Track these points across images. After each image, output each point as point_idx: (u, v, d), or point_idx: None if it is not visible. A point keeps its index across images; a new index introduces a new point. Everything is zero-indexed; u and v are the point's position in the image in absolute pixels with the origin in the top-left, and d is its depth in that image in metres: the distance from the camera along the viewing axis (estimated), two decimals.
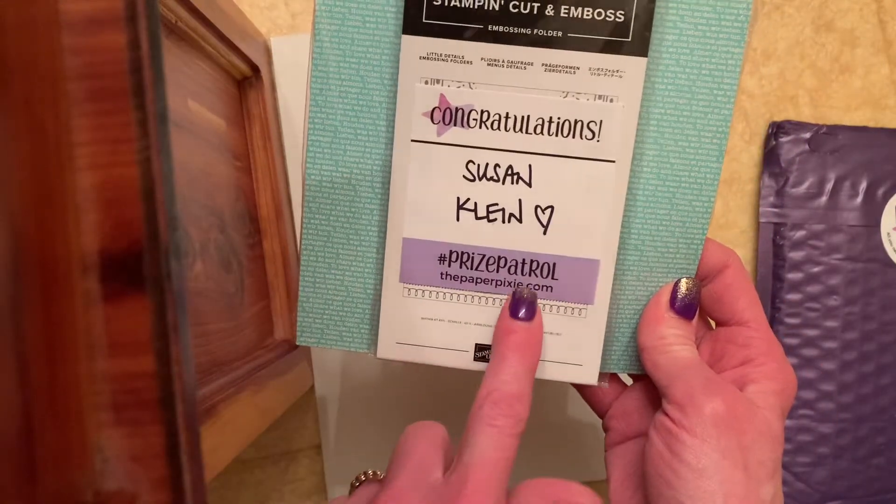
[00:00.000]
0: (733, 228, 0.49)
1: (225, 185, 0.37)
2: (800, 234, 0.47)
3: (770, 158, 0.48)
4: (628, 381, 0.35)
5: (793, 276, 0.47)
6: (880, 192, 0.47)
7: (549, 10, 0.29)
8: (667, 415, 0.29)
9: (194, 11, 0.32)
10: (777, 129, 0.48)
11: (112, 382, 0.20)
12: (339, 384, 0.47)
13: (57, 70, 0.20)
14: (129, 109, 0.20)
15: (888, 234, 0.47)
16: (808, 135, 0.48)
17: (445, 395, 0.46)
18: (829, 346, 0.47)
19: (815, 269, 0.47)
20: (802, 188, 0.47)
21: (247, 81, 0.42)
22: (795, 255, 0.47)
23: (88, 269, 0.20)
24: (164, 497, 0.20)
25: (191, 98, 0.33)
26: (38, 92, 0.20)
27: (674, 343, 0.30)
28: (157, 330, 0.20)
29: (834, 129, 0.48)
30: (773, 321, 0.47)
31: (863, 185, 0.47)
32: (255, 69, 0.42)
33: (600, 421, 0.36)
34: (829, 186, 0.47)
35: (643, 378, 0.33)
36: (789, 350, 0.47)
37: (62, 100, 0.20)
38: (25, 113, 0.19)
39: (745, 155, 0.49)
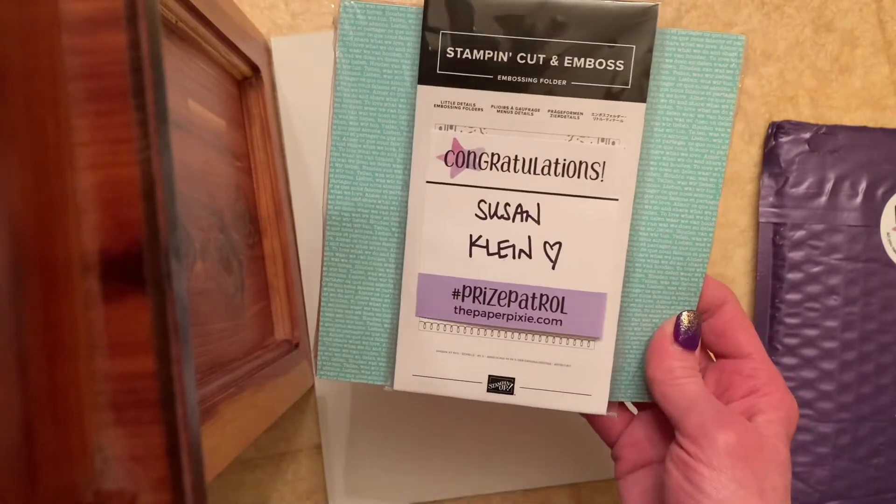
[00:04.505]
0: (733, 228, 0.49)
1: (225, 185, 0.37)
2: (799, 234, 0.47)
3: (770, 158, 0.48)
4: (633, 409, 0.36)
5: (793, 276, 0.47)
6: (880, 192, 0.47)
7: (554, 61, 0.31)
8: (682, 447, 0.30)
9: (194, 11, 0.32)
10: (777, 129, 0.48)
11: (112, 382, 0.20)
12: (339, 384, 0.47)
13: (57, 70, 0.20)
14: (129, 109, 0.20)
15: (888, 234, 0.47)
16: (807, 135, 0.48)
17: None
18: (828, 346, 0.47)
19: (815, 269, 0.47)
20: (802, 188, 0.47)
21: (247, 81, 0.42)
22: (795, 255, 0.47)
23: (88, 269, 0.20)
24: (164, 497, 0.20)
25: (191, 98, 0.33)
26: (38, 92, 0.19)
27: (682, 376, 0.31)
28: (157, 330, 0.20)
29: (833, 129, 0.48)
30: (773, 321, 0.47)
31: (862, 185, 0.47)
32: (255, 69, 0.42)
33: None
34: (828, 186, 0.47)
35: (649, 406, 0.34)
36: (789, 350, 0.47)
37: (62, 100, 0.20)
38: (25, 113, 0.19)
39: (745, 155, 0.49)
